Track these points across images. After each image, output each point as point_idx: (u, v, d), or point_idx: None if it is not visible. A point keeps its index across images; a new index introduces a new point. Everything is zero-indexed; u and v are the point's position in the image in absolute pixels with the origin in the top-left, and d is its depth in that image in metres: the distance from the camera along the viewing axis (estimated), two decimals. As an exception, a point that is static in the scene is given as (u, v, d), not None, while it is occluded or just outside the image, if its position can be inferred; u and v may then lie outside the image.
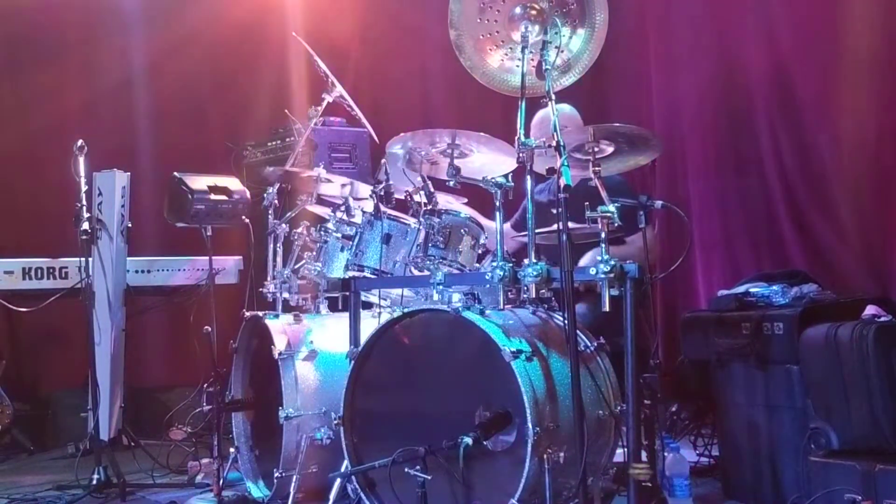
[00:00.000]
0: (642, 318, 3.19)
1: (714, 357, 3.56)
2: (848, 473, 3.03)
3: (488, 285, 3.09)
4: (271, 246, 3.95)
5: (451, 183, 3.34)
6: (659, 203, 3.36)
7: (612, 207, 2.91)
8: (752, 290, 3.59)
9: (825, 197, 4.39)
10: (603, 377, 3.13)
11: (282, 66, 5.69)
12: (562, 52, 3.17)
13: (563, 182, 2.75)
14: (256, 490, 3.77)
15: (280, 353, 3.56)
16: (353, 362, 3.28)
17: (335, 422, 3.28)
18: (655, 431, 3.18)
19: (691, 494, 3.28)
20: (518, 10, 3.12)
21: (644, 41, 5.38)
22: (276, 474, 3.49)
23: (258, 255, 4.37)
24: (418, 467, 2.88)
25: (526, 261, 3.00)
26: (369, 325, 3.46)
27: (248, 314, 3.88)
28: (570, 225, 2.76)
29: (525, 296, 3.15)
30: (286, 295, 3.87)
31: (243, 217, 4.62)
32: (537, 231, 3.10)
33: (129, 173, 5.03)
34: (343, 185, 4.02)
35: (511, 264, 3.04)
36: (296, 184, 4.11)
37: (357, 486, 3.19)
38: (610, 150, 3.19)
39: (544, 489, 2.81)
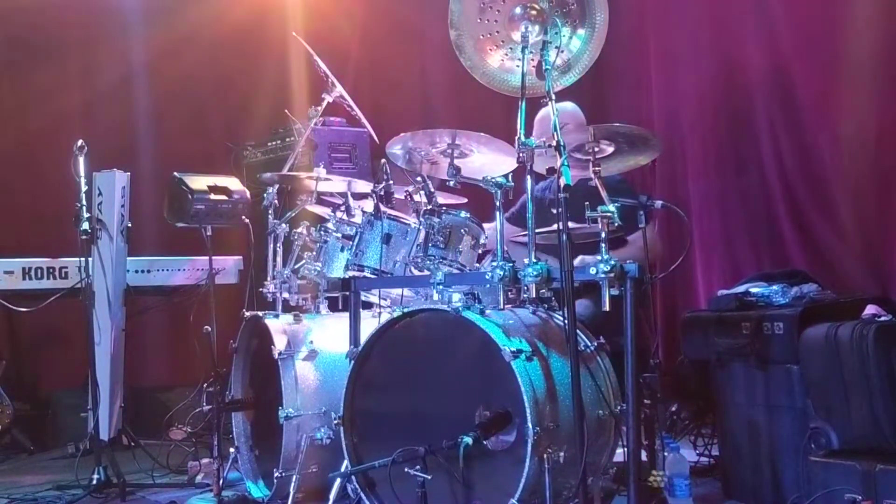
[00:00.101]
0: (642, 318, 3.19)
1: (714, 357, 3.56)
2: (848, 473, 3.03)
3: (488, 285, 3.09)
4: (271, 246, 3.95)
5: (451, 183, 3.34)
6: (659, 203, 3.37)
7: (612, 207, 2.91)
8: (752, 289, 3.59)
9: (825, 197, 4.39)
10: (603, 377, 3.13)
11: (282, 66, 5.68)
12: (562, 52, 3.17)
13: (562, 182, 2.75)
14: (256, 490, 3.77)
15: (280, 353, 3.56)
16: (352, 362, 3.28)
17: (335, 422, 3.28)
18: (655, 431, 3.19)
19: (691, 494, 3.28)
20: (518, 10, 3.12)
21: (644, 41, 5.39)
22: (276, 474, 3.49)
23: (258, 255, 4.37)
24: (418, 467, 2.87)
25: (525, 259, 3.00)
26: (369, 324, 3.46)
27: (247, 314, 3.88)
28: (570, 224, 2.76)
29: (525, 295, 3.15)
30: (286, 295, 3.87)
31: (243, 217, 4.62)
32: (537, 231, 3.10)
33: (129, 173, 5.02)
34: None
35: (511, 264, 3.04)
36: (296, 184, 4.11)
37: (357, 486, 3.19)
38: (610, 150, 3.20)
39: (544, 489, 2.81)
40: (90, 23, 5.80)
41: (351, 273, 3.52)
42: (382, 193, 3.55)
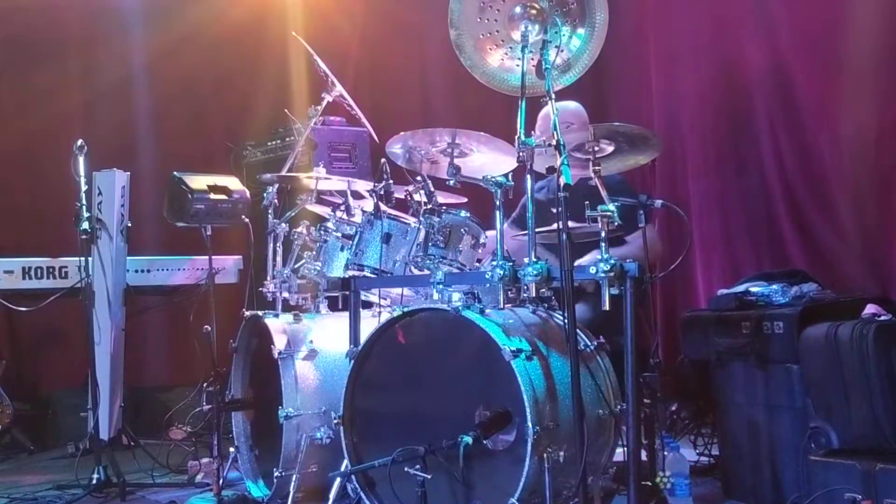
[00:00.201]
0: (642, 318, 3.19)
1: (714, 356, 3.56)
2: (848, 473, 3.03)
3: (488, 284, 3.09)
4: (271, 245, 3.95)
5: (451, 182, 3.34)
6: (659, 202, 3.37)
7: (612, 206, 2.91)
8: (751, 289, 3.59)
9: (825, 197, 4.39)
10: (603, 376, 3.13)
11: (282, 66, 5.69)
12: (562, 51, 3.17)
13: (562, 181, 2.75)
14: (256, 489, 3.77)
15: (280, 353, 3.56)
16: (352, 362, 3.28)
17: (335, 421, 3.28)
18: (655, 431, 3.18)
19: (691, 494, 3.28)
20: (518, 9, 3.12)
21: (644, 41, 5.39)
22: (275, 474, 3.49)
23: (258, 254, 4.37)
24: (418, 466, 2.87)
25: (525, 259, 3.00)
26: (369, 324, 3.46)
27: (247, 313, 3.89)
28: (570, 224, 2.76)
29: (525, 295, 3.15)
30: (286, 294, 3.87)
31: (243, 216, 4.62)
32: (537, 230, 3.10)
33: (128, 173, 5.02)
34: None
35: (511, 263, 3.04)
36: (295, 183, 4.11)
37: (357, 486, 3.19)
38: (610, 149, 3.20)
39: (544, 488, 2.81)
40: (90, 23, 5.80)
41: (351, 272, 3.52)
42: (382, 193, 3.55)
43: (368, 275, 3.47)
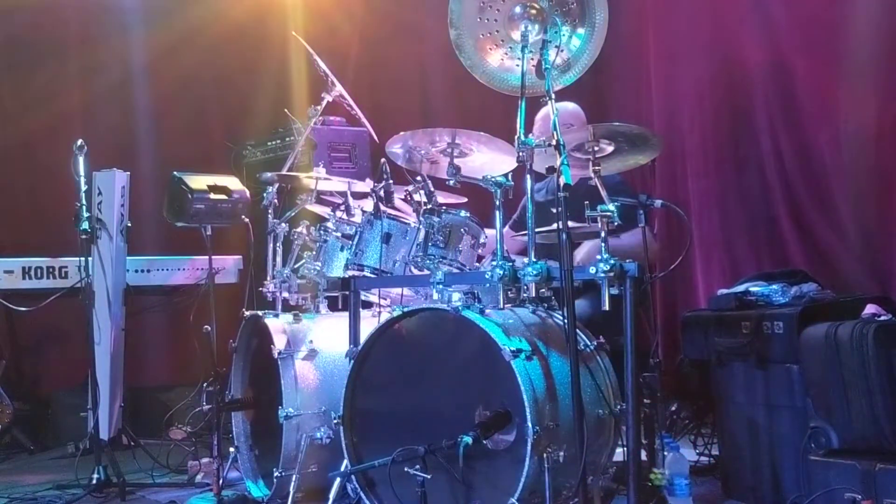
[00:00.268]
0: (642, 318, 3.19)
1: (714, 356, 3.56)
2: (848, 473, 3.03)
3: (488, 284, 3.09)
4: (271, 245, 3.95)
5: (451, 182, 3.34)
6: (658, 202, 3.37)
7: (612, 206, 2.91)
8: (751, 289, 3.58)
9: (825, 197, 4.39)
10: (603, 376, 3.13)
11: (282, 66, 5.69)
12: (561, 51, 3.17)
13: (562, 181, 2.75)
14: (256, 489, 3.77)
15: (280, 353, 3.56)
16: (352, 362, 3.28)
17: (335, 421, 3.27)
18: (655, 431, 3.18)
19: (691, 494, 3.27)
20: (518, 9, 3.12)
21: (644, 41, 5.39)
22: (275, 474, 3.49)
23: (258, 254, 4.37)
24: (418, 466, 2.88)
25: (525, 260, 3.00)
26: (369, 324, 3.46)
27: (247, 313, 3.88)
28: (570, 224, 2.76)
29: (525, 295, 3.15)
30: (286, 294, 3.87)
31: (243, 216, 4.62)
32: (537, 230, 3.10)
33: (128, 173, 5.03)
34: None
35: (511, 263, 3.03)
36: (295, 183, 4.11)
37: (357, 486, 3.19)
38: (610, 149, 3.20)
39: (544, 488, 2.81)
40: (90, 23, 5.80)
41: (351, 272, 3.52)
42: (382, 193, 3.54)
43: (368, 275, 3.47)
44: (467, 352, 3.05)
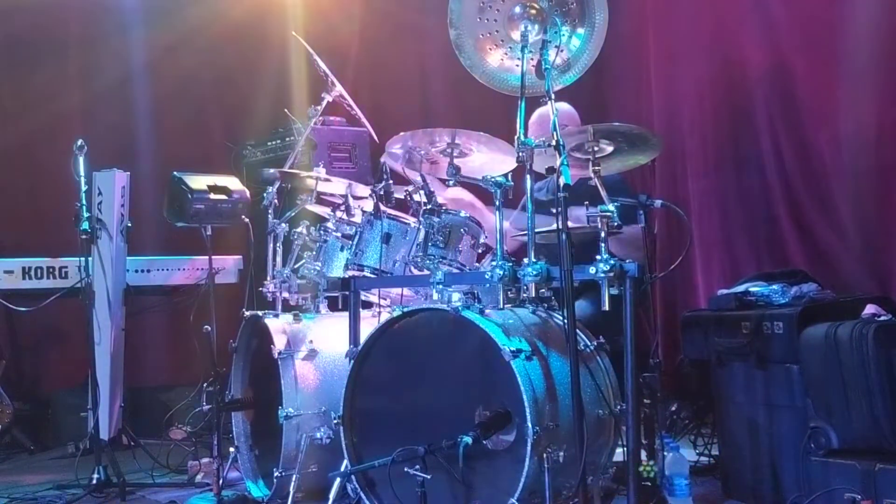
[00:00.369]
0: (642, 318, 3.19)
1: (714, 356, 3.56)
2: (848, 473, 3.04)
3: (488, 285, 3.09)
4: (271, 245, 3.95)
5: (451, 182, 3.34)
6: (658, 202, 3.36)
7: (611, 206, 2.91)
8: (751, 289, 3.58)
9: (825, 197, 4.38)
10: (603, 376, 3.13)
11: (282, 66, 5.69)
12: (561, 51, 3.17)
13: (562, 181, 2.75)
14: (256, 489, 3.77)
15: (279, 353, 3.56)
16: (352, 362, 3.28)
17: (335, 421, 3.27)
18: (655, 431, 3.19)
19: (691, 494, 3.27)
20: (518, 9, 3.12)
21: (644, 41, 5.39)
22: (275, 474, 3.49)
23: (258, 254, 4.37)
24: (418, 467, 2.87)
25: (525, 260, 3.00)
26: (369, 324, 3.46)
27: (247, 314, 3.88)
28: (570, 224, 2.76)
29: (525, 295, 3.15)
30: (286, 294, 3.86)
31: (243, 216, 4.62)
32: (537, 230, 3.10)
33: (128, 173, 5.03)
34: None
35: (511, 263, 3.03)
36: (295, 183, 4.11)
37: (357, 486, 3.19)
38: (610, 149, 3.20)
39: (544, 488, 2.81)
40: (90, 23, 5.80)
41: (351, 272, 3.52)
42: (382, 193, 3.54)
43: (368, 275, 3.47)
44: (467, 352, 3.04)
